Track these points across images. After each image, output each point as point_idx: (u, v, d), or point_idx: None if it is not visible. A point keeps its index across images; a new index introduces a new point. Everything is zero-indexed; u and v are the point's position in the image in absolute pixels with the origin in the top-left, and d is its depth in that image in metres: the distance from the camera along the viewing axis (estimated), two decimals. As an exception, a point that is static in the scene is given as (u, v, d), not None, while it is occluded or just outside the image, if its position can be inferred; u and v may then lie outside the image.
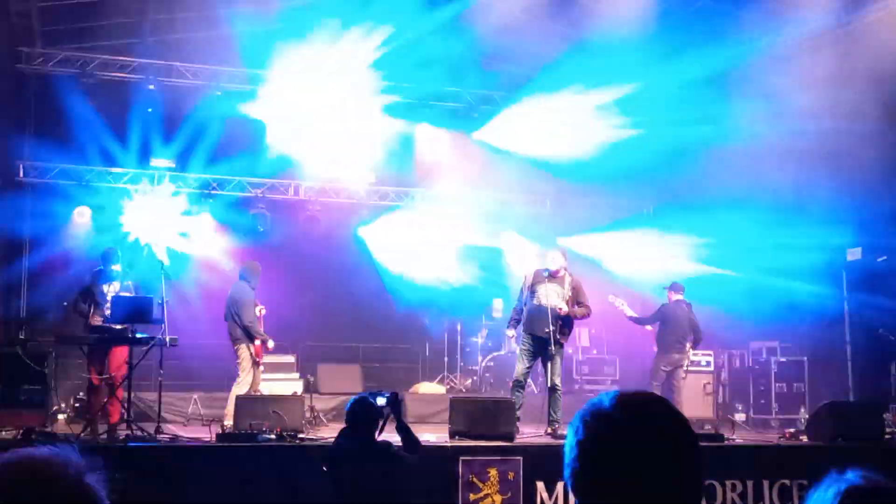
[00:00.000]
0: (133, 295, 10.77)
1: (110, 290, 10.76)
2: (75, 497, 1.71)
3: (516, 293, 11.61)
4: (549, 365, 10.73)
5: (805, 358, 14.18)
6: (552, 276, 10.86)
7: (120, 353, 10.43)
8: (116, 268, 10.94)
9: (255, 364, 11.69)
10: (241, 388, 11.43)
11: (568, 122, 16.18)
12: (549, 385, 10.77)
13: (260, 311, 12.03)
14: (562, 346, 10.86)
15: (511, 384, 11.08)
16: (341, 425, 7.03)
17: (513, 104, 16.78)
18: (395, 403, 6.91)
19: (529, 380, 14.47)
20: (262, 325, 11.85)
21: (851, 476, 1.92)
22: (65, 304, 12.03)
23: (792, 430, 11.45)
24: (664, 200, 16.47)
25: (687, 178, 14.94)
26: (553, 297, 10.71)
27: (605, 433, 1.82)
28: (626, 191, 16.29)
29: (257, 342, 11.61)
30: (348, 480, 6.44)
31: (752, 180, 13.78)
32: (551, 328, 10.55)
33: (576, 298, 10.85)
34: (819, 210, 13.41)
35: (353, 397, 7.04)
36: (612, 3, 13.17)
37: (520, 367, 10.94)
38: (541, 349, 10.79)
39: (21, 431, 8.87)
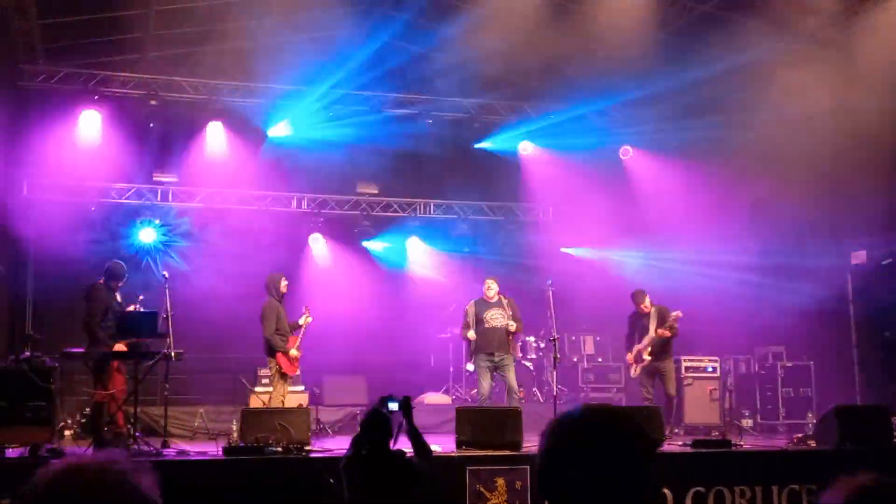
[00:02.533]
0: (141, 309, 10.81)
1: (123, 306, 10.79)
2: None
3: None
4: (506, 375, 12.19)
5: (811, 362, 14.15)
6: (488, 301, 12.42)
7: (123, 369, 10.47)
8: (120, 284, 10.93)
9: (283, 377, 11.84)
10: (271, 401, 11.72)
11: (570, 129, 16.22)
12: (508, 390, 12.23)
13: (305, 319, 12.13)
14: (513, 357, 12.55)
15: (479, 401, 12.27)
16: (347, 437, 7.02)
17: (515, 113, 16.84)
18: (408, 408, 6.90)
19: (535, 388, 14.59)
20: (301, 334, 12.10)
21: (862, 478, 1.92)
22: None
23: (800, 435, 11.43)
24: (667, 206, 16.43)
25: (690, 183, 14.91)
26: (499, 319, 12.27)
27: (567, 439, 1.98)
28: (629, 198, 16.27)
29: (286, 356, 11.82)
30: (362, 490, 6.43)
31: (757, 185, 13.78)
32: (504, 344, 12.21)
33: (514, 316, 12.33)
34: (824, 213, 13.40)
35: (369, 408, 7.04)
36: (614, 11, 13.16)
37: (484, 385, 12.24)
38: (494, 364, 12.23)
39: (27, 448, 8.87)
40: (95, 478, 1.70)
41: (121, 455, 1.77)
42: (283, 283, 12.16)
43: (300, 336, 12.10)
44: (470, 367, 13.06)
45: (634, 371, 12.84)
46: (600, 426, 1.98)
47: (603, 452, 1.92)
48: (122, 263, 11.31)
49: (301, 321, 12.12)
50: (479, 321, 12.37)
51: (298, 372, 12.43)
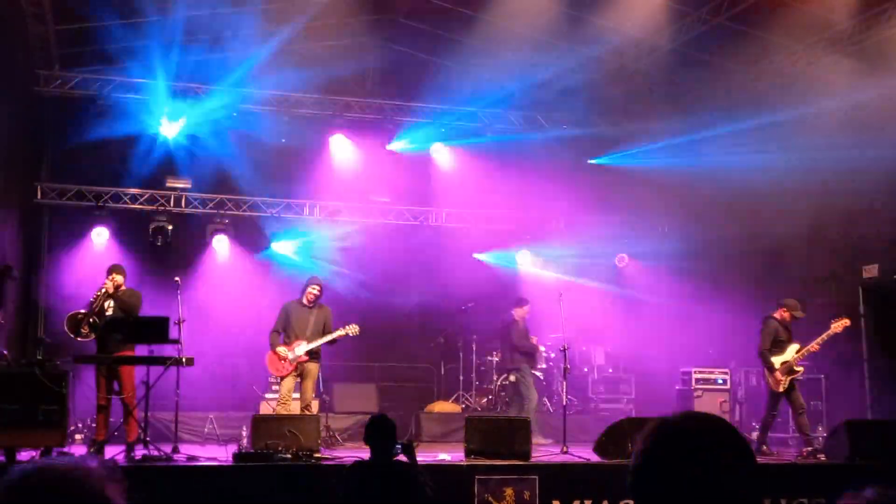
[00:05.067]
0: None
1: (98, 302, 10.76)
2: None
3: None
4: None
5: (822, 376, 14.09)
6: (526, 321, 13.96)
7: (135, 374, 10.48)
8: (112, 280, 10.88)
9: (282, 381, 11.77)
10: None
11: (582, 140, 16.27)
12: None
13: (339, 332, 11.75)
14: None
15: (529, 411, 13.02)
16: (357, 445, 7.05)
17: (526, 123, 16.88)
18: (410, 451, 6.91)
19: (545, 398, 14.73)
20: (315, 341, 11.75)
21: (869, 492, 1.93)
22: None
23: (809, 448, 11.37)
24: (679, 219, 16.44)
25: (701, 196, 14.93)
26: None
27: (669, 445, 1.95)
28: (641, 209, 16.29)
29: (274, 354, 11.71)
30: (368, 497, 6.44)
31: (769, 198, 13.76)
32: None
33: None
34: (835, 226, 13.37)
35: (372, 415, 7.06)
36: (627, 22, 13.19)
37: (535, 395, 13.61)
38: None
39: (39, 451, 8.92)
40: (60, 481, 1.75)
41: (93, 461, 1.82)
42: (310, 288, 11.91)
43: (317, 343, 11.66)
44: (512, 377, 13.60)
45: (784, 384, 11.62)
46: (705, 432, 1.97)
47: (707, 460, 1.91)
48: (117, 264, 11.31)
49: (337, 332, 11.76)
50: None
51: (308, 383, 11.77)
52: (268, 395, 13.88)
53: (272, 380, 13.74)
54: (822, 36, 12.84)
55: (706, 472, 1.89)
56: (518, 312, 13.79)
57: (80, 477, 1.76)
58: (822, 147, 12.62)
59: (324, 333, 11.77)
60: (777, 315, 11.91)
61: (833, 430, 10.93)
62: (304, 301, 11.93)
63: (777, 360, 11.70)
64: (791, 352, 11.69)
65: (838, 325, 11.54)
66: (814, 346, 11.60)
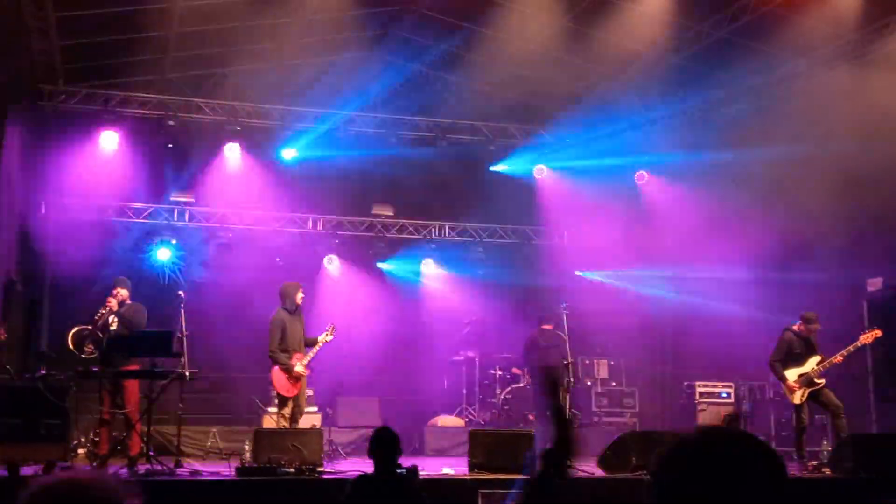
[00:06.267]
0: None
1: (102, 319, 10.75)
2: None
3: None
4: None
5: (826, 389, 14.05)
6: None
7: (137, 388, 10.48)
8: (116, 293, 10.87)
9: (282, 401, 11.46)
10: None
11: (585, 152, 16.27)
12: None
13: (324, 337, 11.57)
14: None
15: None
16: (360, 459, 7.03)
17: (530, 136, 16.89)
18: (414, 475, 6.89)
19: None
20: (313, 351, 11.55)
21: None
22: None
23: (815, 462, 11.32)
24: (680, 231, 16.42)
25: (702, 206, 14.90)
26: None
27: (688, 464, 1.85)
28: (644, 221, 16.27)
29: (285, 373, 11.39)
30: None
31: (771, 208, 13.75)
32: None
33: None
34: (839, 240, 13.34)
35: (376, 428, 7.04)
36: (630, 36, 13.21)
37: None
38: None
39: (42, 465, 8.91)
40: (82, 493, 1.76)
41: (112, 475, 1.85)
42: (300, 294, 11.74)
43: (312, 354, 11.55)
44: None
45: (802, 396, 11.50)
46: (726, 451, 1.85)
47: (731, 479, 1.80)
48: (118, 277, 11.30)
49: (320, 338, 11.56)
50: None
51: (305, 393, 11.76)
52: (270, 409, 13.83)
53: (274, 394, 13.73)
54: (826, 49, 12.84)
55: (738, 491, 1.79)
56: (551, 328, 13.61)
57: (102, 489, 1.77)
58: (824, 159, 12.61)
59: (305, 338, 11.69)
60: (795, 327, 11.81)
61: (838, 444, 10.89)
62: (291, 308, 11.65)
63: (794, 372, 11.57)
64: (811, 363, 11.56)
65: (867, 337, 11.40)
66: (838, 357, 11.44)
